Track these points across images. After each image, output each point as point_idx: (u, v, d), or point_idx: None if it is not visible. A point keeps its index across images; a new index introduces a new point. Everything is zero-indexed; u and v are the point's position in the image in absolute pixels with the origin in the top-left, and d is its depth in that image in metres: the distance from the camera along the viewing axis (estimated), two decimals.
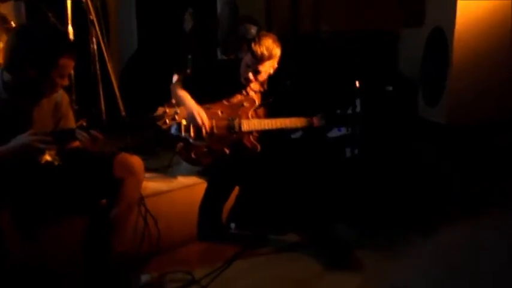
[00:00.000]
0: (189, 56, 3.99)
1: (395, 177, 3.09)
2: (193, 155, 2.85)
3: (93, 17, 2.52)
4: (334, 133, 3.24)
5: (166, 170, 2.94)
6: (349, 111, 3.05)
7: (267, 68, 2.81)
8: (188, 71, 3.98)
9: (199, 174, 2.94)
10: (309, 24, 3.72)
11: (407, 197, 2.99)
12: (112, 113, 2.77)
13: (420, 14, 3.34)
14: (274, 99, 2.96)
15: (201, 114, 2.76)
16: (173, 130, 3.13)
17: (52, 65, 1.94)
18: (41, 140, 1.89)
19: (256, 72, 2.79)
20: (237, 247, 2.51)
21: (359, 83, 2.97)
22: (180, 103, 2.73)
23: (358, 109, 3.06)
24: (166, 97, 4.26)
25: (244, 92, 2.94)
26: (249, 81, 2.85)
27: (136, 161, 2.20)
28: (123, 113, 2.72)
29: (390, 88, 3.23)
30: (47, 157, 2.02)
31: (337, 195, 2.97)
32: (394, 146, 3.22)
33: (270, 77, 2.91)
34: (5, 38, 3.65)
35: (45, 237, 2.11)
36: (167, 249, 2.51)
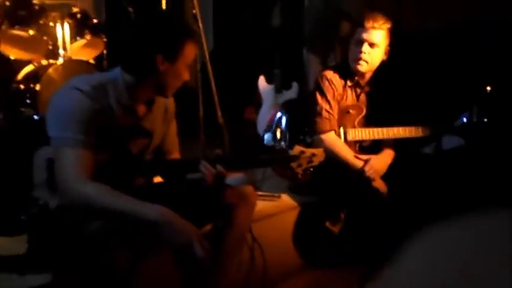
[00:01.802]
0: (277, 55, 3.65)
1: None
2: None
3: (196, 11, 2.20)
4: (449, 143, 2.85)
5: (258, 185, 2.66)
6: (466, 119, 2.65)
7: (381, 44, 2.44)
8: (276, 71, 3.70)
9: (291, 190, 2.65)
10: (413, 20, 3.28)
11: None
12: (210, 120, 2.50)
13: None
14: (382, 103, 2.59)
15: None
16: (267, 139, 2.83)
17: (179, 51, 1.69)
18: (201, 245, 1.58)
19: (371, 46, 2.43)
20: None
21: (489, 87, 2.54)
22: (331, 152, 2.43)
23: (476, 117, 2.66)
24: (247, 101, 4.03)
25: (355, 92, 2.58)
26: (360, 61, 2.46)
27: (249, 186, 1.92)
28: (221, 120, 2.43)
29: None
30: None
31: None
32: None
33: (380, 74, 2.54)
34: (88, 34, 3.52)
35: (145, 272, 1.84)
36: (274, 283, 2.23)
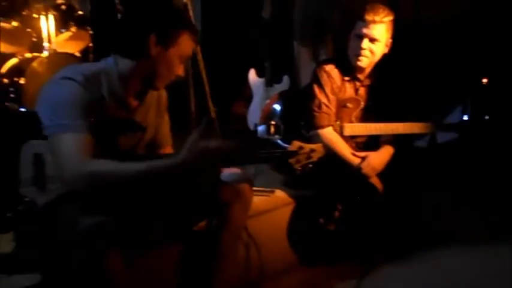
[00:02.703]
0: (267, 48, 3.58)
1: None
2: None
3: (187, 0, 2.15)
4: (443, 137, 2.82)
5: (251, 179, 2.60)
6: (463, 115, 2.62)
7: (382, 38, 2.37)
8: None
9: (286, 185, 2.59)
10: (408, 10, 3.23)
11: None
12: (202, 114, 2.43)
13: None
14: (381, 98, 2.53)
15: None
16: (260, 132, 2.77)
17: (174, 36, 1.66)
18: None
19: (372, 41, 2.35)
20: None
21: (486, 78, 2.51)
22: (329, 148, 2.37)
23: (471, 111, 2.63)
24: (237, 94, 3.95)
25: (353, 86, 2.51)
26: (361, 57, 2.38)
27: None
28: (213, 115, 2.37)
29: None
30: None
31: None
32: None
33: (379, 68, 2.48)
34: (73, 26, 3.42)
35: (140, 270, 1.78)
36: (268, 280, 2.17)
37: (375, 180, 2.47)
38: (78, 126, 1.53)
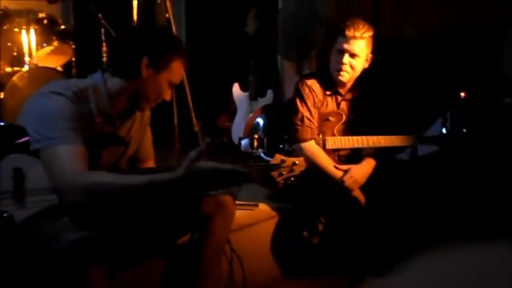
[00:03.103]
0: (251, 62, 3.60)
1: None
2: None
3: (170, 15, 2.16)
4: (424, 149, 2.85)
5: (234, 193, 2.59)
6: (443, 128, 2.65)
7: (362, 53, 2.40)
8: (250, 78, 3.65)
9: (269, 198, 2.58)
10: (389, 26, 3.29)
11: None
12: (184, 128, 2.42)
13: None
14: (363, 111, 2.56)
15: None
16: (244, 145, 2.77)
17: (166, 61, 1.68)
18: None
19: (352, 56, 2.38)
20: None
21: (464, 92, 2.55)
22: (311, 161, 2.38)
23: (450, 124, 2.66)
24: (221, 108, 3.95)
25: (335, 100, 2.54)
26: (342, 72, 2.41)
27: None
28: (196, 128, 2.36)
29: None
30: None
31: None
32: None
33: (360, 82, 2.51)
34: (55, 41, 3.40)
35: (122, 285, 1.75)
36: None
37: (358, 193, 2.48)
38: (71, 137, 1.53)
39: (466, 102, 2.67)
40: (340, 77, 2.43)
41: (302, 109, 2.48)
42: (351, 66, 2.40)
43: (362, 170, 2.48)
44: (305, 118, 2.47)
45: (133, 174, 1.59)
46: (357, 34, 2.36)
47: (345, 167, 2.48)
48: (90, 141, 1.60)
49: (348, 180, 2.44)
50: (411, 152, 2.78)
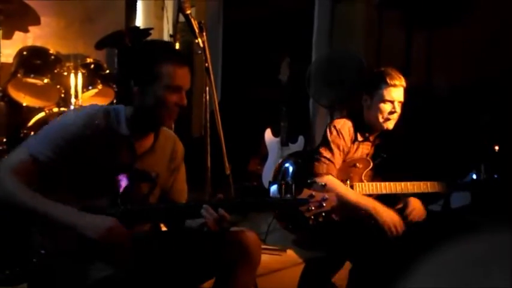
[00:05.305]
0: (284, 109, 3.69)
1: None
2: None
3: (208, 64, 2.26)
4: (457, 201, 2.81)
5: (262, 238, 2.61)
6: (475, 176, 2.62)
7: (402, 99, 2.46)
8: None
9: (296, 244, 2.59)
10: (420, 76, 3.34)
11: None
12: (216, 170, 2.49)
13: None
14: (389, 156, 2.57)
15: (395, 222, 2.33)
16: (273, 191, 2.80)
17: (150, 74, 1.68)
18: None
19: (399, 103, 2.43)
20: None
21: (495, 146, 2.54)
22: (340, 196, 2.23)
23: (484, 175, 2.63)
24: (252, 153, 4.02)
25: (364, 146, 2.55)
26: (390, 120, 2.43)
27: (252, 239, 1.75)
28: (228, 171, 2.41)
29: None
30: None
31: None
32: None
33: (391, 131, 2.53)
34: (99, 84, 3.59)
35: None
36: None
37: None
38: (38, 152, 1.62)
39: (499, 156, 2.64)
40: (388, 125, 2.46)
41: (323, 151, 2.47)
42: (398, 114, 2.46)
43: (418, 202, 2.43)
44: (322, 157, 2.44)
45: (49, 201, 1.58)
46: (399, 82, 2.43)
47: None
48: (98, 164, 1.66)
49: (411, 212, 2.38)
50: (444, 203, 2.76)
